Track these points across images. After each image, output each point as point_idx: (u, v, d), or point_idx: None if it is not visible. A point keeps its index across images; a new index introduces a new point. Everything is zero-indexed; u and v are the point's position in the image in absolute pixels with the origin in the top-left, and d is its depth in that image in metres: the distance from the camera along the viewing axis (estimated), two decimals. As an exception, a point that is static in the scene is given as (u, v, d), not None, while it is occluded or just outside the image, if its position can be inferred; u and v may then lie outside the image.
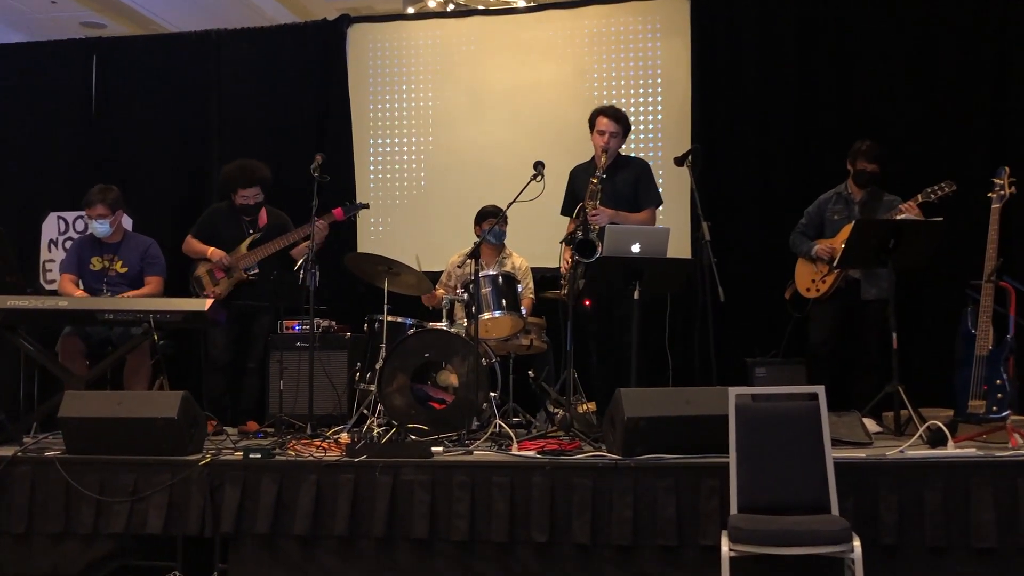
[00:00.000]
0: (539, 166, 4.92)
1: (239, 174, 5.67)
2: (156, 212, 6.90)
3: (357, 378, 5.40)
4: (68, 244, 6.95)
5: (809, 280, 5.53)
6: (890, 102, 6.21)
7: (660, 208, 5.53)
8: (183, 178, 7.17)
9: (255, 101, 7.13)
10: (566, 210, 5.51)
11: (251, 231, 5.71)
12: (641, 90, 6.73)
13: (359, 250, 6.67)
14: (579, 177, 5.42)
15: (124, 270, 5.61)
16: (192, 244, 5.75)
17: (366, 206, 5.93)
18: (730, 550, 3.36)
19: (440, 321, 5.32)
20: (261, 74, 7.15)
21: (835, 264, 5.18)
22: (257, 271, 5.62)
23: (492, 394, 4.93)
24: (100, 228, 5.56)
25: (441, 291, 5.75)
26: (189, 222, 5.96)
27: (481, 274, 5.02)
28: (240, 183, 5.65)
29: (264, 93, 7.13)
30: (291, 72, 7.10)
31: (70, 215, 7.07)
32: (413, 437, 4.47)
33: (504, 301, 5.14)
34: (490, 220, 5.68)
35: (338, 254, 5.67)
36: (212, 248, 5.65)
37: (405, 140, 7.05)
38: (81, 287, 5.56)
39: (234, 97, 7.17)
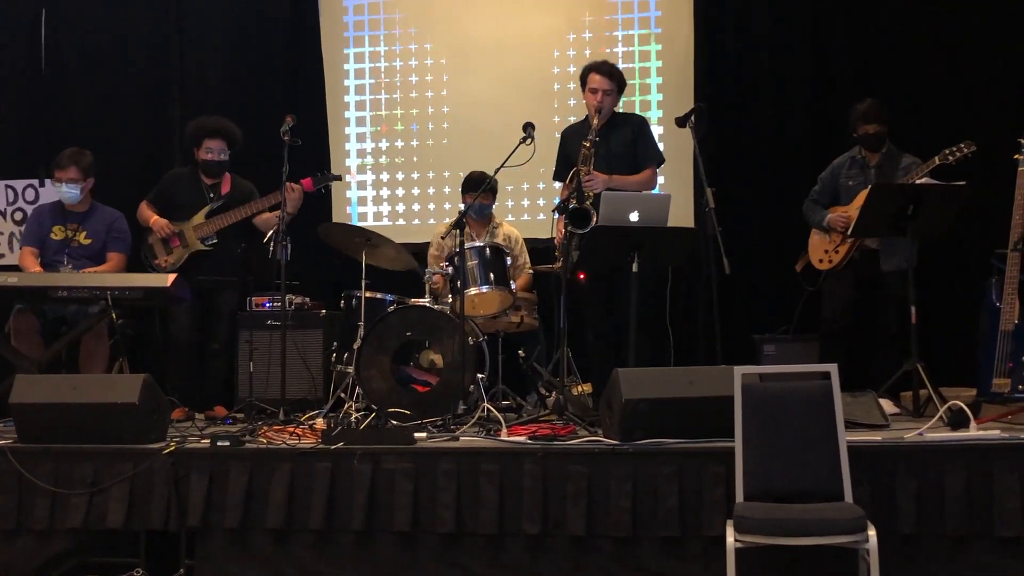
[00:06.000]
0: (529, 128, 4.90)
1: (207, 122, 5.70)
2: (112, 179, 6.81)
3: (333, 359, 5.40)
4: (17, 215, 6.91)
5: (822, 251, 5.54)
6: (911, 57, 6.19)
7: (661, 169, 5.50)
8: (141, 141, 7.11)
9: (219, 57, 7.08)
10: (559, 175, 5.50)
11: (211, 196, 5.69)
12: (638, 43, 6.69)
13: (334, 220, 6.66)
14: (571, 139, 5.40)
15: (88, 242, 5.59)
16: (143, 211, 5.72)
17: (339, 177, 5.93)
18: (736, 541, 3.38)
19: (423, 297, 5.32)
20: (226, 26, 7.08)
21: (849, 232, 5.19)
22: (215, 241, 5.60)
23: (479, 375, 4.95)
24: (70, 193, 5.53)
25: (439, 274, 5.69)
26: (148, 189, 5.92)
27: (467, 246, 5.01)
28: (207, 132, 5.65)
29: (229, 48, 7.07)
30: (259, 26, 7.04)
31: (19, 183, 7.01)
32: (394, 422, 4.48)
33: (492, 275, 5.13)
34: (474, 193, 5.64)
35: (311, 224, 5.66)
36: (155, 217, 5.62)
37: (384, 98, 7.01)
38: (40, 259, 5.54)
39: (196, 52, 7.10)
